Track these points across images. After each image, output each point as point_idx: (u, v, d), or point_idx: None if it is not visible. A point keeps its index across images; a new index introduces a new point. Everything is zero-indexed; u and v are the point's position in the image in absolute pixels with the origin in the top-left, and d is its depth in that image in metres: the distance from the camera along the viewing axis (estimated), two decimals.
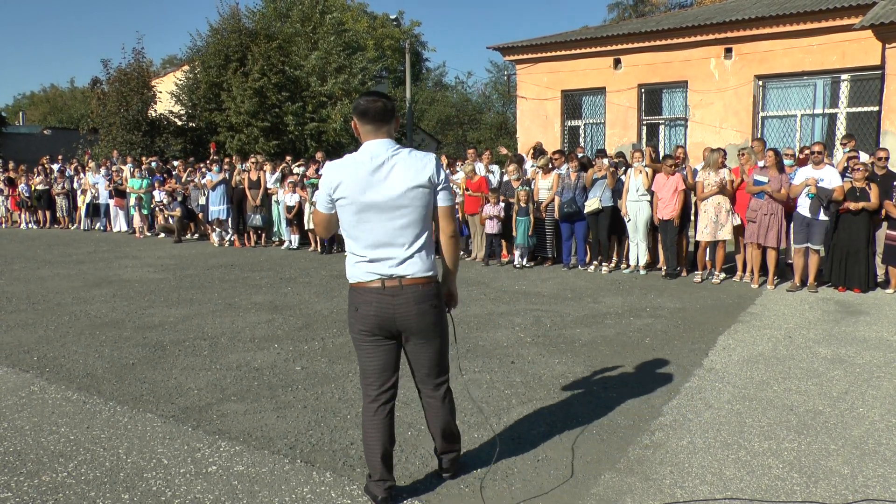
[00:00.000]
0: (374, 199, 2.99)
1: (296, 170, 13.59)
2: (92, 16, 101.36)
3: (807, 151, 9.14)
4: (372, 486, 3.22)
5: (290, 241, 13.03)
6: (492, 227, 10.60)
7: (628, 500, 3.24)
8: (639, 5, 38.84)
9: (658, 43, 14.95)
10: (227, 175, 13.69)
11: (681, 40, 14.70)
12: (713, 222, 8.75)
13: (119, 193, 16.18)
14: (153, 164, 16.59)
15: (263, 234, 13.68)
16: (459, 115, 38.76)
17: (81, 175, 17.41)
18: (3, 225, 18.68)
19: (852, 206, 8.02)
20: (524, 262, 10.44)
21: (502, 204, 10.63)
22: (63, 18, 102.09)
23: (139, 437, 4.00)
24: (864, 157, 9.48)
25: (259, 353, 5.81)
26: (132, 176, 15.80)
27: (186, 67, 23.83)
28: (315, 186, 12.37)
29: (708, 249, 9.14)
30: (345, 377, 5.13)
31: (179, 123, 22.84)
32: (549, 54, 16.47)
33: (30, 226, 18.04)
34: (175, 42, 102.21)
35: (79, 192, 17.29)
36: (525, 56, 16.91)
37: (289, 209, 12.74)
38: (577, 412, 4.37)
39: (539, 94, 16.71)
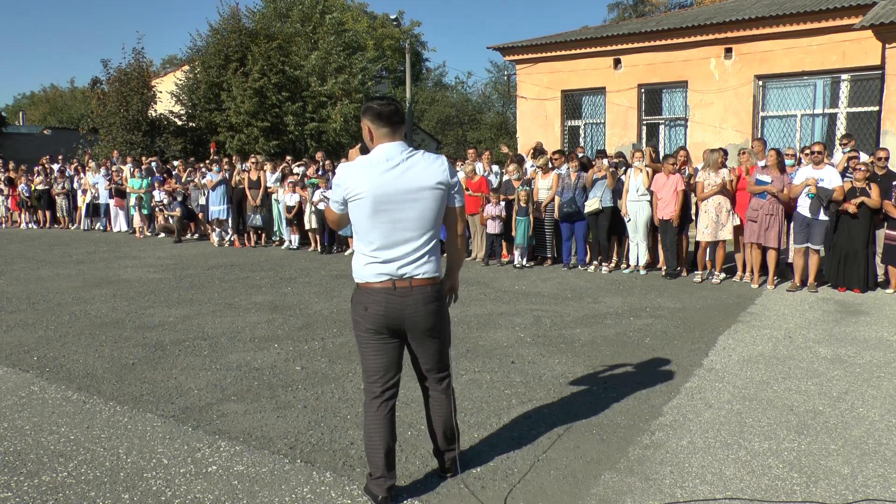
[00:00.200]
0: (388, 200, 3.02)
1: (296, 170, 13.60)
2: (92, 16, 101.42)
3: (807, 151, 9.14)
4: (372, 485, 3.23)
5: (290, 241, 13.03)
6: (493, 227, 10.61)
7: (628, 500, 3.24)
8: (639, 5, 38.86)
9: (658, 43, 14.95)
10: (226, 175, 13.69)
11: (681, 40, 14.70)
12: (714, 222, 8.75)
13: (119, 193, 16.18)
14: (153, 164, 16.59)
15: (263, 234, 13.68)
16: (459, 115, 38.77)
17: (81, 175, 17.41)
18: (4, 225, 18.68)
19: (851, 206, 8.01)
20: (524, 262, 10.44)
21: (503, 204, 10.63)
22: (63, 18, 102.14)
23: (139, 437, 4.00)
24: (864, 157, 9.48)
25: (259, 353, 5.81)
26: (132, 176, 15.80)
27: (186, 67, 23.85)
28: (315, 186, 12.39)
29: (708, 249, 9.14)
30: (345, 377, 5.13)
31: (179, 123, 22.84)
32: (549, 54, 16.47)
33: (30, 226, 18.04)
34: (175, 42, 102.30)
35: (79, 192, 17.29)
36: (525, 56, 16.91)
37: (289, 209, 12.74)
38: (577, 412, 4.37)
39: (539, 94, 16.71)
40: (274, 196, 13.30)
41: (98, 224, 16.94)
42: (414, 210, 3.05)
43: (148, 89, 21.80)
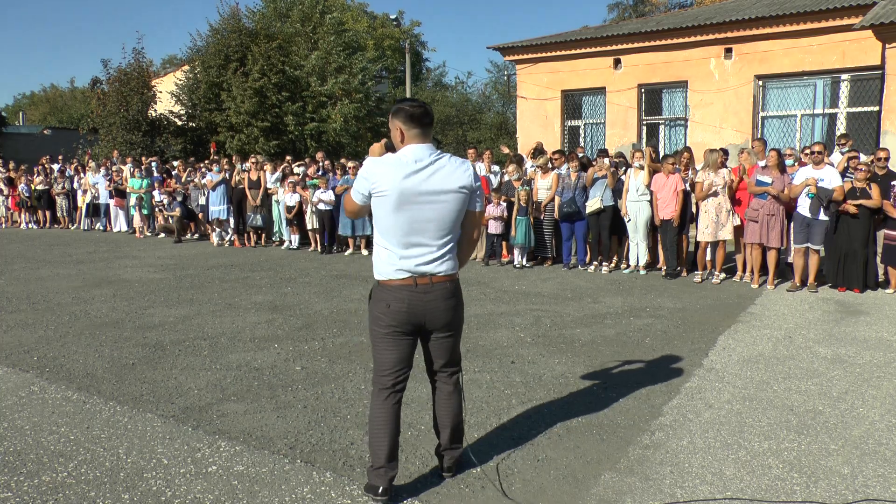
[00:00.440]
0: (412, 199, 3.10)
1: (296, 170, 13.59)
2: (92, 16, 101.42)
3: (807, 151, 9.14)
4: (373, 475, 3.26)
5: (290, 241, 13.03)
6: (495, 227, 10.61)
7: (628, 500, 3.24)
8: (639, 5, 38.84)
9: (658, 43, 14.95)
10: (226, 175, 13.69)
11: (681, 40, 14.70)
12: (714, 222, 8.75)
13: (119, 193, 16.18)
14: (153, 164, 16.60)
15: (263, 234, 13.68)
16: (459, 115, 38.75)
17: (81, 175, 17.41)
18: (4, 225, 18.68)
19: (851, 207, 8.01)
20: (524, 262, 10.44)
21: (504, 204, 10.64)
22: (63, 18, 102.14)
23: (139, 437, 4.00)
24: (863, 157, 9.48)
25: (259, 353, 5.81)
26: (132, 176, 15.80)
27: (186, 67, 23.85)
28: (316, 186, 12.39)
29: (708, 249, 9.14)
30: (345, 377, 5.13)
31: (179, 123, 22.84)
32: (549, 54, 16.47)
33: (30, 226, 18.04)
34: (175, 42, 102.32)
35: (79, 192, 17.29)
36: (525, 56, 16.91)
37: (289, 209, 12.73)
38: (577, 412, 4.37)
39: (539, 94, 16.71)
40: (274, 196, 13.30)
41: (98, 224, 16.94)
42: (436, 211, 3.13)
43: (148, 89, 21.80)
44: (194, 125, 22.81)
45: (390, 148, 3.31)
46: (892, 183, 8.15)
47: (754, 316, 7.08)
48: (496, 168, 11.83)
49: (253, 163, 13.54)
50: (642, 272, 9.66)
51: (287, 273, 10.05)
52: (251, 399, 4.66)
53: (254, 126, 20.95)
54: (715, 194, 8.70)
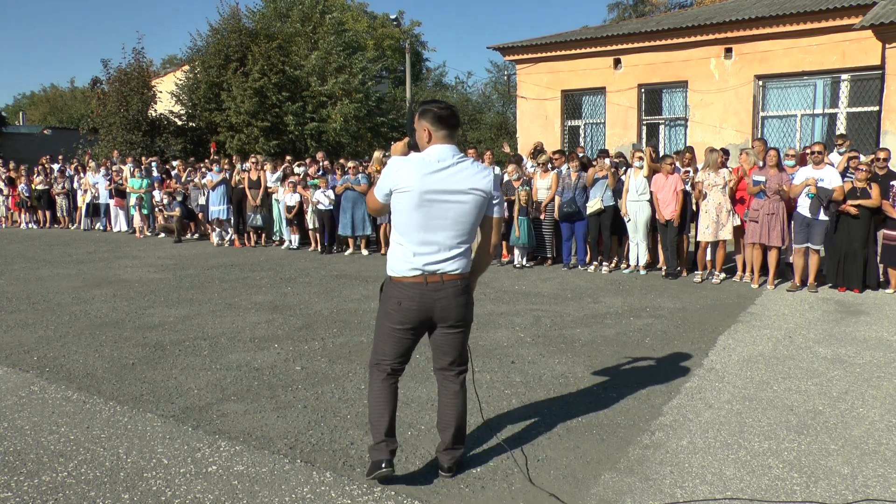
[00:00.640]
0: (431, 198, 3.17)
1: (297, 170, 13.59)
2: (92, 16, 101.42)
3: (807, 150, 9.14)
4: (374, 451, 3.35)
5: (290, 241, 13.03)
6: None
7: (628, 500, 3.24)
8: (639, 5, 38.85)
9: (658, 43, 14.95)
10: (226, 175, 13.69)
11: (681, 40, 14.69)
12: (714, 222, 8.75)
13: (119, 193, 16.18)
14: (153, 163, 16.60)
15: (263, 234, 13.68)
16: (459, 115, 38.80)
17: (81, 175, 17.41)
18: (4, 225, 18.68)
19: (851, 208, 8.01)
20: (524, 262, 10.44)
21: (505, 204, 10.63)
22: (63, 18, 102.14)
23: (139, 437, 4.00)
24: (863, 157, 9.48)
25: (259, 353, 5.81)
26: (132, 176, 15.80)
27: (186, 67, 23.86)
28: (316, 186, 12.39)
29: (708, 249, 9.14)
30: (345, 377, 5.13)
31: (179, 123, 22.85)
32: (549, 54, 16.47)
33: (30, 226, 18.03)
34: (175, 42, 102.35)
35: (79, 192, 17.29)
36: (525, 56, 16.91)
37: (289, 209, 12.74)
38: (577, 412, 4.37)
39: (539, 94, 16.71)
40: (274, 196, 13.30)
41: (98, 224, 16.94)
42: (452, 211, 3.20)
43: (148, 89, 21.81)
44: (194, 125, 22.82)
45: (413, 146, 3.39)
46: (892, 183, 8.15)
47: (754, 316, 7.08)
48: (497, 168, 11.82)
49: (253, 163, 13.54)
50: (642, 272, 9.66)
51: (287, 273, 10.05)
52: (251, 399, 4.66)
53: (254, 126, 20.96)
54: (715, 192, 8.69)
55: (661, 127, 15.68)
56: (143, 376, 5.17)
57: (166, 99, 22.54)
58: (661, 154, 12.63)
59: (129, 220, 16.13)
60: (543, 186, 10.49)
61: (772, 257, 8.52)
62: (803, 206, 8.24)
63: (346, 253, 12.22)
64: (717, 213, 8.73)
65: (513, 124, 26.76)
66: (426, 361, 5.20)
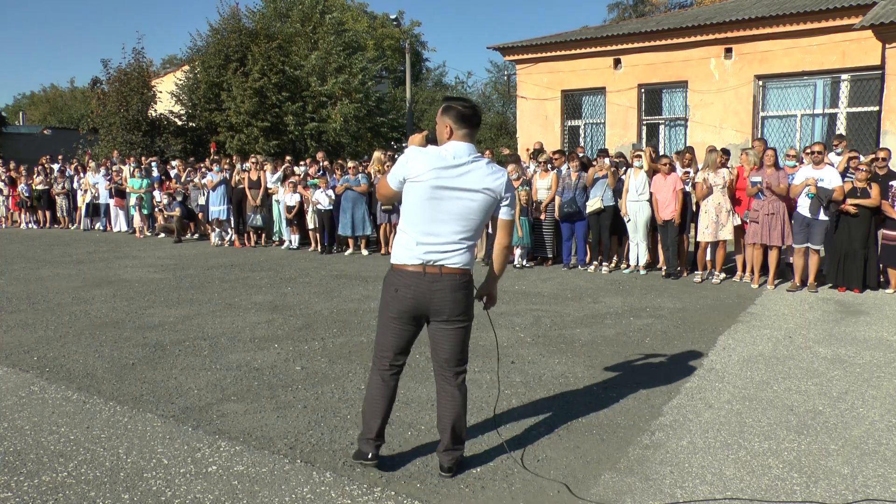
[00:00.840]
0: (441, 192, 3.22)
1: (297, 170, 13.60)
2: (92, 16, 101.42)
3: (807, 151, 9.14)
4: (363, 443, 3.50)
5: (290, 241, 13.03)
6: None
7: (628, 500, 3.24)
8: (639, 5, 38.85)
9: (658, 43, 14.95)
10: (226, 175, 13.69)
11: (681, 40, 14.69)
12: (714, 222, 8.75)
13: (119, 193, 16.18)
14: (153, 163, 16.61)
15: (263, 234, 13.68)
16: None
17: (81, 175, 17.41)
18: (4, 225, 18.68)
19: (850, 207, 8.01)
20: (524, 262, 10.45)
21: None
22: (63, 18, 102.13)
23: (139, 437, 4.00)
24: (863, 157, 9.48)
25: (259, 353, 5.81)
26: (132, 176, 15.81)
27: (186, 67, 23.85)
28: (316, 186, 12.40)
29: (708, 249, 9.14)
30: (345, 377, 5.13)
31: (179, 123, 22.84)
32: (549, 54, 16.47)
33: (30, 226, 18.04)
34: (175, 42, 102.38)
35: (79, 192, 17.29)
36: (525, 56, 16.91)
37: (289, 209, 12.74)
38: (577, 412, 4.37)
39: (539, 94, 16.71)
40: (274, 196, 13.30)
41: (98, 224, 16.94)
42: (459, 206, 3.24)
43: (148, 89, 21.80)
44: (194, 125, 22.81)
45: (431, 140, 3.43)
46: (891, 183, 8.16)
47: (754, 316, 7.08)
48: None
49: (253, 163, 13.54)
50: (642, 272, 9.66)
51: (287, 273, 10.05)
52: (251, 399, 4.66)
53: (254, 126, 20.95)
54: (723, 193, 8.68)
55: (661, 127, 15.68)
56: (143, 376, 5.16)
57: (166, 99, 22.54)
58: (661, 154, 12.64)
59: (129, 221, 16.13)
60: (543, 186, 10.49)
61: (772, 257, 8.52)
62: (803, 206, 8.24)
63: (346, 253, 12.22)
64: (716, 214, 8.73)
65: (513, 124, 26.76)
66: (426, 361, 5.20)
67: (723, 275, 9.06)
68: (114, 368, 5.37)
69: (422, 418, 4.26)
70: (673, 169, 9.28)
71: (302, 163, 14.50)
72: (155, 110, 22.30)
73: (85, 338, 6.33)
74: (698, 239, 9.08)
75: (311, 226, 12.61)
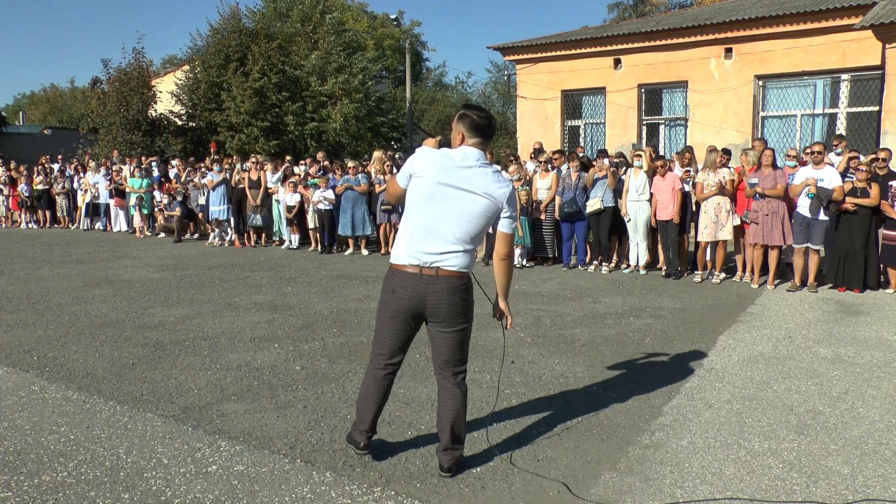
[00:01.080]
0: (443, 190, 3.25)
1: (297, 170, 13.59)
2: (92, 16, 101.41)
3: (807, 151, 9.14)
4: (355, 433, 3.60)
5: (291, 241, 13.03)
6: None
7: (628, 500, 3.24)
8: (639, 5, 38.86)
9: (658, 43, 14.95)
10: (227, 175, 13.69)
11: (681, 40, 14.69)
12: (713, 222, 8.75)
13: (119, 193, 16.18)
14: (153, 163, 16.61)
15: (263, 234, 13.68)
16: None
17: (81, 175, 17.41)
18: (4, 225, 18.68)
19: (850, 204, 8.02)
20: (524, 263, 10.45)
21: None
22: (63, 18, 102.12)
23: (139, 437, 4.00)
24: (863, 157, 9.48)
25: (259, 352, 5.81)
26: (132, 176, 15.81)
27: (186, 67, 23.84)
28: (316, 186, 12.40)
29: (708, 249, 9.14)
30: (345, 377, 5.13)
31: (179, 123, 22.84)
32: (549, 54, 16.47)
33: (30, 225, 18.04)
34: (175, 42, 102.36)
35: (79, 192, 17.29)
36: (525, 56, 16.91)
37: (289, 209, 12.74)
38: (577, 412, 4.37)
39: (539, 94, 16.71)
40: (274, 196, 13.30)
41: (98, 224, 16.94)
42: (459, 206, 3.26)
43: (148, 89, 21.79)
44: (194, 125, 22.81)
45: (444, 145, 3.47)
46: (890, 183, 8.16)
47: (754, 316, 7.08)
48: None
49: (253, 162, 13.54)
50: (642, 272, 9.66)
51: (287, 273, 10.05)
52: (251, 399, 4.66)
53: (254, 126, 20.95)
54: (722, 193, 8.67)
55: (661, 127, 15.68)
56: (143, 376, 5.17)
57: (166, 99, 22.53)
58: (658, 155, 12.64)
59: (129, 220, 16.13)
60: (543, 186, 10.49)
61: (772, 257, 8.52)
62: (803, 207, 8.24)
63: (346, 253, 12.22)
64: (715, 214, 8.74)
65: (513, 124, 26.76)
66: (426, 361, 5.20)
67: (723, 275, 9.06)
68: (114, 368, 5.37)
69: (422, 418, 4.26)
70: (670, 169, 9.28)
71: (302, 163, 14.48)
72: (155, 110, 22.30)
73: (85, 337, 6.33)
74: (698, 239, 9.08)
75: (311, 226, 12.61)
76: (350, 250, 12.30)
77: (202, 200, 14.23)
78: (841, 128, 13.35)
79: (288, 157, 14.99)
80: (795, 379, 5.02)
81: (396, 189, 3.43)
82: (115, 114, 21.23)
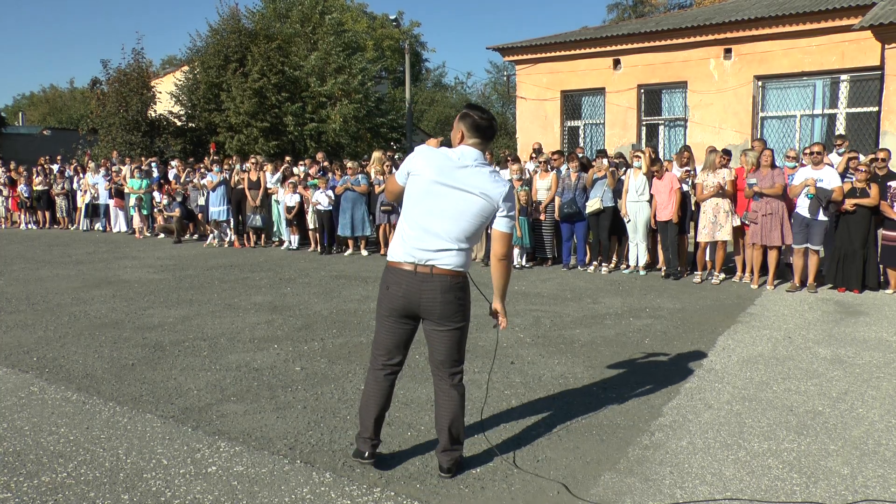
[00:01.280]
0: (439, 188, 3.25)
1: (296, 170, 13.59)
2: (92, 16, 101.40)
3: (807, 151, 9.15)
4: (360, 441, 3.53)
5: (290, 242, 13.03)
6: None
7: (628, 501, 3.24)
8: (638, 6, 38.86)
9: (658, 43, 14.96)
10: (226, 176, 13.68)
11: (680, 41, 14.70)
12: (711, 223, 8.76)
13: (119, 194, 16.18)
14: (153, 164, 16.59)
15: (263, 235, 13.67)
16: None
17: (81, 175, 17.40)
18: (3, 225, 18.67)
19: (849, 205, 8.02)
20: (524, 263, 10.45)
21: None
22: (63, 18, 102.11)
23: (139, 438, 4.00)
24: (862, 157, 9.48)
25: (259, 353, 5.80)
26: (131, 176, 15.80)
27: (186, 68, 23.82)
28: (316, 187, 12.40)
29: (708, 250, 9.14)
30: (344, 377, 5.13)
31: (179, 124, 22.83)
32: (548, 55, 16.48)
33: (29, 226, 18.03)
34: (175, 42, 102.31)
35: (78, 193, 17.29)
36: (524, 56, 16.92)
37: (289, 209, 12.73)
38: (577, 412, 4.37)
39: (539, 95, 16.72)
40: (274, 196, 13.30)
41: (97, 224, 16.93)
42: (454, 204, 3.25)
43: (147, 90, 21.78)
44: (194, 126, 22.80)
45: (445, 145, 3.48)
46: (889, 184, 8.16)
47: (754, 316, 7.08)
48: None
49: (253, 163, 13.54)
50: (642, 273, 9.66)
51: (287, 273, 10.05)
52: (251, 399, 4.66)
53: (253, 126, 20.94)
54: (721, 194, 8.67)
55: (661, 127, 15.69)
56: (142, 377, 5.16)
57: (166, 99, 22.52)
58: (662, 154, 12.65)
59: (129, 221, 16.12)
60: (543, 187, 10.50)
61: (771, 258, 8.52)
62: (802, 207, 8.24)
63: (346, 253, 12.22)
64: (714, 214, 8.74)
65: (512, 125, 26.76)
66: (426, 362, 5.20)
67: (722, 275, 9.06)
68: (113, 369, 5.37)
69: (421, 419, 4.26)
70: (667, 170, 9.28)
71: (301, 163, 14.47)
72: (154, 111, 22.29)
73: (84, 338, 6.33)
74: (697, 239, 9.08)
75: (310, 226, 12.61)
76: (349, 251, 12.30)
77: (202, 201, 14.22)
78: (840, 128, 13.36)
79: (287, 158, 14.98)
80: (795, 379, 5.02)
81: (395, 187, 3.45)
82: (114, 114, 21.22)
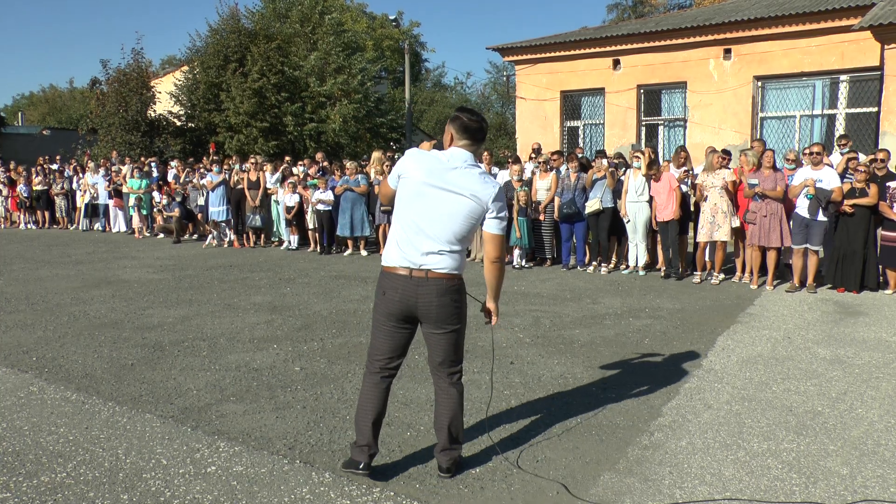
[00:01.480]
0: (430, 190, 3.25)
1: (295, 170, 13.59)
2: (92, 16, 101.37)
3: (806, 151, 9.15)
4: (356, 451, 3.45)
5: (290, 242, 13.03)
6: None
7: (627, 501, 3.24)
8: (638, 6, 38.86)
9: (657, 44, 14.96)
10: (226, 176, 13.68)
11: (680, 41, 14.71)
12: (710, 223, 8.76)
13: (118, 194, 16.17)
14: (153, 164, 16.59)
15: (263, 235, 13.67)
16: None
17: (80, 175, 17.39)
18: (3, 225, 18.66)
19: (847, 206, 8.02)
20: (523, 263, 10.45)
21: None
22: (63, 18, 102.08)
23: (138, 438, 4.00)
24: (862, 157, 9.48)
25: (258, 353, 5.80)
26: (131, 176, 15.79)
27: (185, 68, 23.82)
28: (315, 187, 12.40)
29: (707, 250, 9.15)
30: (344, 377, 5.13)
31: (178, 124, 22.82)
32: (548, 55, 16.48)
33: (28, 226, 18.02)
34: (174, 42, 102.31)
35: (78, 193, 17.28)
36: (524, 57, 16.92)
37: (288, 209, 12.73)
38: (576, 412, 4.37)
39: (538, 95, 16.72)
40: (273, 196, 13.30)
41: (97, 224, 16.92)
42: (444, 206, 3.25)
43: (147, 90, 21.77)
44: (193, 126, 22.80)
45: (438, 147, 3.49)
46: (888, 184, 8.16)
47: (753, 317, 7.08)
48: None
49: (252, 163, 13.54)
50: (641, 273, 9.66)
51: (286, 274, 10.05)
52: (250, 399, 4.66)
53: (253, 126, 20.94)
54: (713, 194, 8.69)
55: (661, 128, 15.69)
56: (142, 377, 5.16)
57: (165, 99, 22.52)
58: (661, 155, 12.66)
59: (128, 221, 16.12)
60: (543, 187, 10.50)
61: (771, 258, 8.52)
62: (802, 207, 8.25)
63: (345, 254, 12.22)
64: (712, 214, 8.74)
65: (512, 125, 26.77)
66: (425, 362, 5.19)
67: (722, 275, 9.06)
68: (113, 369, 5.37)
69: (420, 419, 4.26)
70: (664, 171, 9.29)
71: (301, 163, 14.47)
72: (154, 111, 22.28)
73: (84, 338, 6.33)
74: (696, 239, 9.09)
75: (310, 226, 12.61)
76: (349, 251, 12.30)
77: (201, 201, 14.22)
78: (840, 128, 13.37)
79: (287, 158, 14.97)
80: (794, 380, 5.02)
81: (387, 190, 3.45)
82: (114, 114, 21.21)
